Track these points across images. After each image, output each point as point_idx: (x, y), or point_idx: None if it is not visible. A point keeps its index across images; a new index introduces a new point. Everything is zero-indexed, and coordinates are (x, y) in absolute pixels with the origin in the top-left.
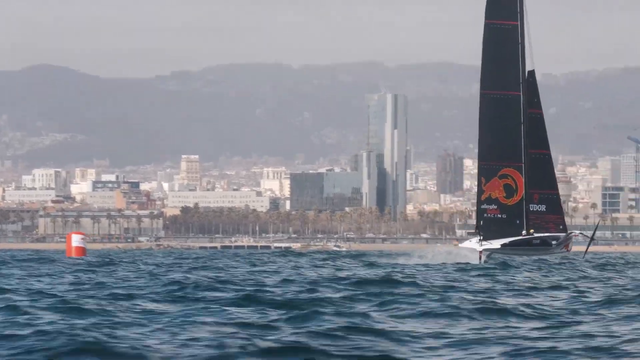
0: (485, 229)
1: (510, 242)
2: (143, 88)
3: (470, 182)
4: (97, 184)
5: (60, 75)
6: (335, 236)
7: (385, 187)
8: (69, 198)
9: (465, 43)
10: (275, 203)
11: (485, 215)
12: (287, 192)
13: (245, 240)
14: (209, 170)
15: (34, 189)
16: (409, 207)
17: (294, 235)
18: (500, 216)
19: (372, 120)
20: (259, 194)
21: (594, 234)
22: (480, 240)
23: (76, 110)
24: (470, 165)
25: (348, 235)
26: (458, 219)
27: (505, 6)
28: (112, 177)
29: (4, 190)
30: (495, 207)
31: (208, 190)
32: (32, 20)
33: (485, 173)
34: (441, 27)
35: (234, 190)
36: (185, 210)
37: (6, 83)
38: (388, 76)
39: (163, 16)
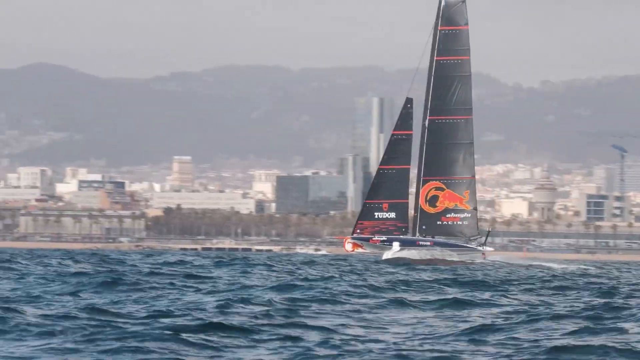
0: None
1: None
2: (142, 88)
3: None
4: (82, 184)
5: (58, 74)
6: (317, 240)
7: None
8: (54, 197)
9: None
10: (261, 205)
11: None
12: None
13: (227, 243)
14: (205, 172)
15: (19, 187)
16: None
17: (276, 239)
18: None
19: (358, 124)
20: (244, 195)
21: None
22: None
23: (74, 109)
24: None
25: (331, 239)
26: None
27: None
28: (99, 177)
29: None
30: None
31: (194, 191)
32: (31, 18)
33: None
34: None
35: (220, 192)
36: (167, 211)
37: (4, 81)
38: (386, 80)
39: (163, 16)
